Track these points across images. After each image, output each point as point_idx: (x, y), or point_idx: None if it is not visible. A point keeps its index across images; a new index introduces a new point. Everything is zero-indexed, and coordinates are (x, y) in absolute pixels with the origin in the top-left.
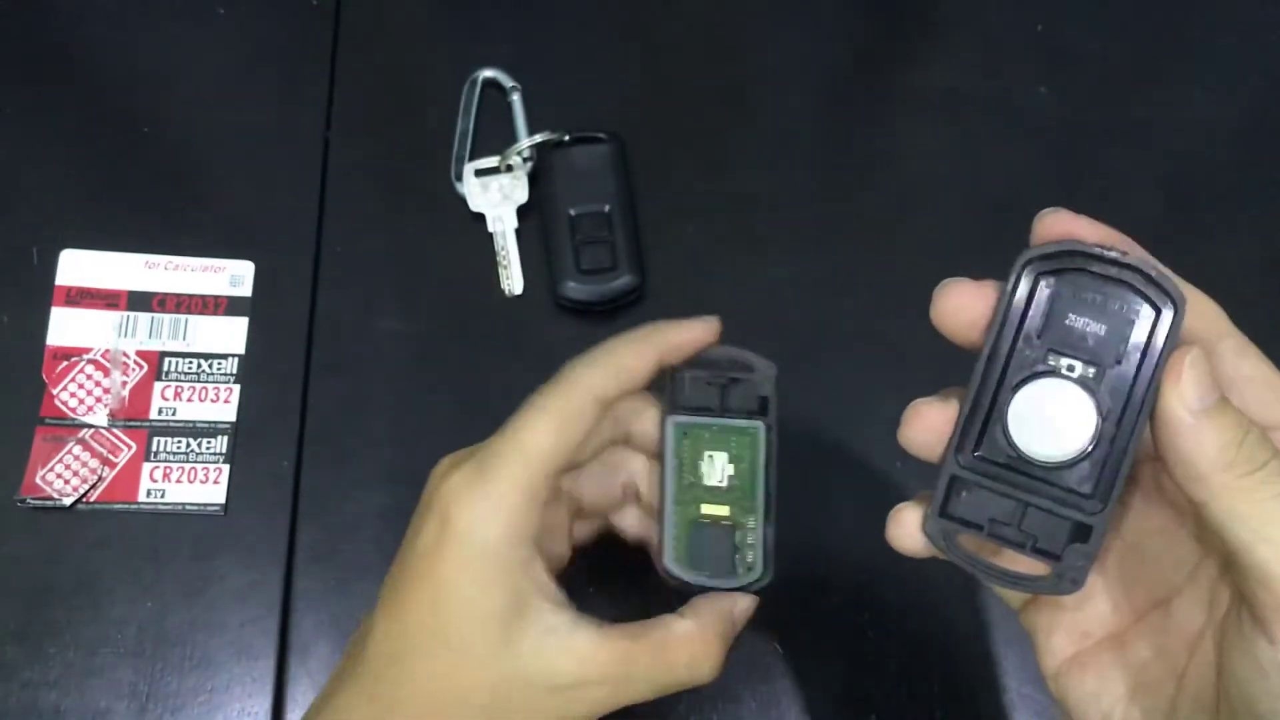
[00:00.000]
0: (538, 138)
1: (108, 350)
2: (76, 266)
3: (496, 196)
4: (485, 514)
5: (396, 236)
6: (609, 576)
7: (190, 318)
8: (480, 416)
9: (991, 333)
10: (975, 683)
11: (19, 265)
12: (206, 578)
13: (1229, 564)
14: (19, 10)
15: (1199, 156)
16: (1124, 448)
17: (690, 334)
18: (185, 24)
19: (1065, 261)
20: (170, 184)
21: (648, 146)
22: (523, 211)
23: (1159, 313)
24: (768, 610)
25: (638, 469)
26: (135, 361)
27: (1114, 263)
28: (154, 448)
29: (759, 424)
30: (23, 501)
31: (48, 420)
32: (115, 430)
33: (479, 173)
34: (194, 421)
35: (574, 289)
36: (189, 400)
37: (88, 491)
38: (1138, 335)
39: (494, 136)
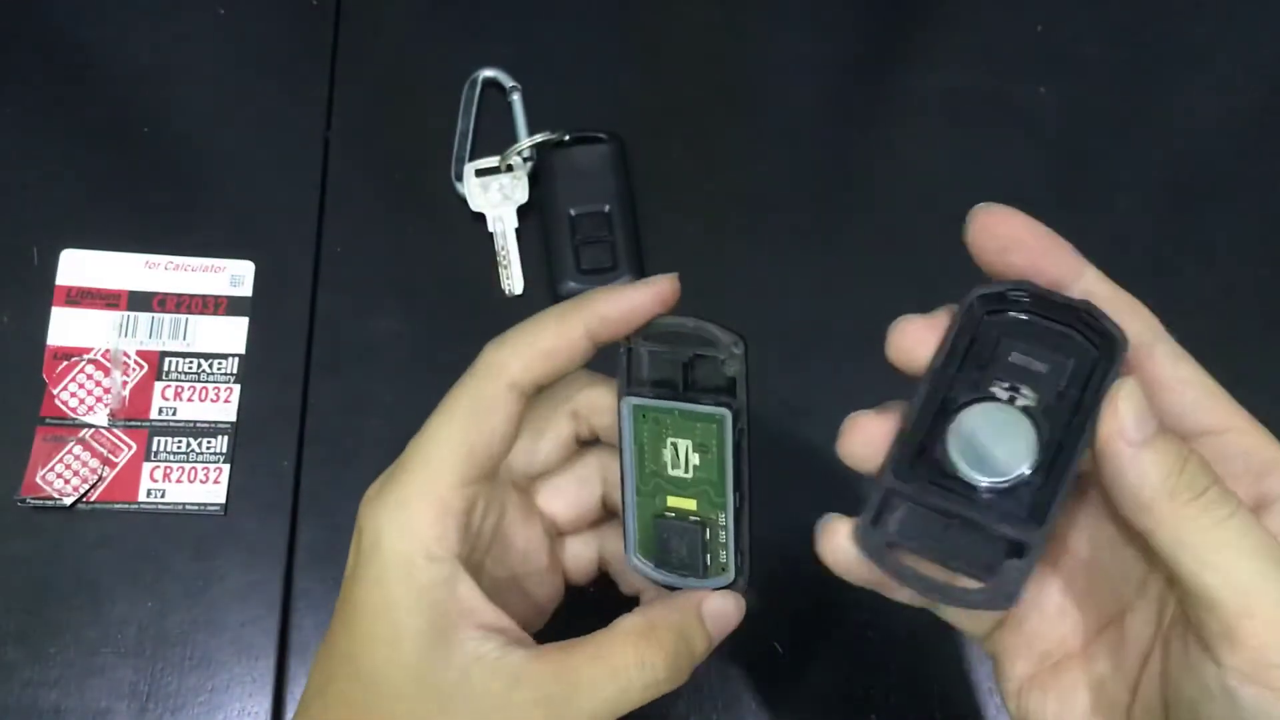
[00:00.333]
0: (538, 138)
1: (108, 350)
2: (77, 266)
3: (496, 196)
4: (393, 531)
5: (396, 236)
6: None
7: (190, 318)
8: None
9: (939, 356)
10: (975, 683)
11: (19, 265)
12: (206, 578)
13: (1175, 587)
14: (19, 10)
15: (1199, 156)
16: (1062, 474)
17: (625, 303)
18: (185, 24)
19: (1014, 299)
20: (170, 184)
21: (648, 146)
22: (523, 211)
23: (1100, 349)
24: (767, 610)
25: (615, 478)
26: (135, 361)
27: (1060, 305)
28: (154, 448)
29: (724, 411)
30: (23, 501)
31: (48, 420)
32: (115, 430)
33: (479, 173)
34: (194, 421)
35: (574, 289)
36: (189, 400)
37: (88, 491)
38: (1079, 369)
39: (494, 136)
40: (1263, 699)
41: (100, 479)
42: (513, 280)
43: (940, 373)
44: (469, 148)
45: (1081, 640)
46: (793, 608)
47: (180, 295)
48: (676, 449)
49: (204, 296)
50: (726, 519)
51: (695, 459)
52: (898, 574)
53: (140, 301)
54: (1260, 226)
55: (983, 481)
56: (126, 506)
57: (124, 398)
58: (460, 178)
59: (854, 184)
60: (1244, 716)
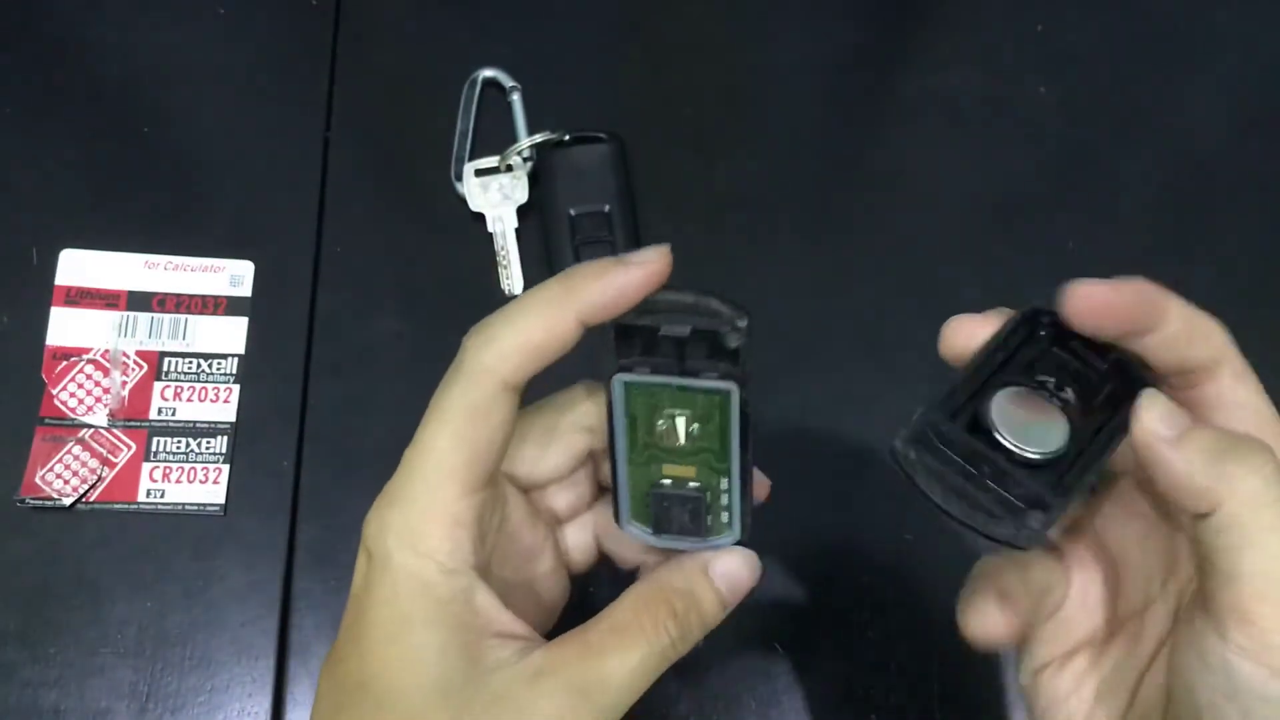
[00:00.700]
0: (538, 138)
1: (107, 350)
2: (76, 266)
3: (496, 196)
4: (403, 548)
5: (396, 236)
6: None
7: (190, 318)
8: None
9: (996, 338)
10: (975, 683)
11: (19, 265)
12: (206, 578)
13: (1201, 563)
14: (19, 10)
15: (1199, 156)
16: (1084, 470)
17: (617, 286)
18: (185, 24)
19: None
20: (170, 184)
21: (648, 146)
22: (523, 211)
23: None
24: (767, 610)
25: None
26: (135, 361)
27: (1100, 347)
28: (154, 448)
29: (731, 385)
30: (22, 501)
31: (47, 420)
32: (115, 430)
33: (479, 173)
34: (194, 421)
35: None
36: (189, 400)
37: (87, 491)
38: (1119, 390)
39: (494, 136)
40: (1258, 677)
41: (100, 479)
42: (513, 280)
43: (993, 353)
44: (469, 148)
45: (1107, 630)
46: (793, 607)
47: (180, 295)
48: (674, 420)
49: (203, 296)
50: (731, 483)
51: (695, 428)
52: (932, 478)
53: (140, 301)
54: (1260, 226)
55: (1016, 448)
56: (126, 507)
57: (123, 398)
58: (460, 178)
59: (854, 184)
60: (1237, 690)
